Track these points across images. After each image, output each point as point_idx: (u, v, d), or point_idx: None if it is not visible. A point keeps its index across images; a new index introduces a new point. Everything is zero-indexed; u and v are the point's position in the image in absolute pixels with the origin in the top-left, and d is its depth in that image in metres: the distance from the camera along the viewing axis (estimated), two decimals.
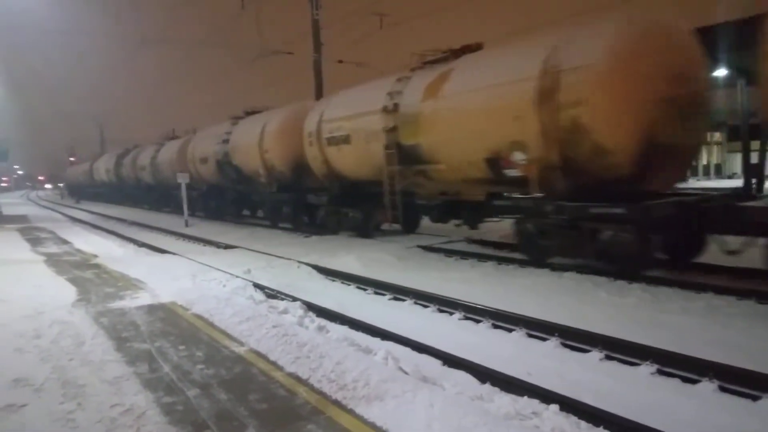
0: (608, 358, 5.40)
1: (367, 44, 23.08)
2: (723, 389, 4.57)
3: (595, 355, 5.47)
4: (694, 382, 4.74)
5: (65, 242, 15.33)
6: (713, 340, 5.57)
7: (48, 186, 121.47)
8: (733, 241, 7.90)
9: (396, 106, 11.91)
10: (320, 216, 16.11)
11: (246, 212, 23.55)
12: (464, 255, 11.27)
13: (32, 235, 17.63)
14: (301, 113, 16.46)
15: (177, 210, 24.12)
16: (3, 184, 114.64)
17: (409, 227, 14.95)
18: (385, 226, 14.65)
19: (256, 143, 17.89)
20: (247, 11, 22.34)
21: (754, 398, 4.38)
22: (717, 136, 38.11)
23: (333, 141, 14.18)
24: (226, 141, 20.31)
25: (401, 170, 12.05)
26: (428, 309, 7.63)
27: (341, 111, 14.12)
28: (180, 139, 27.93)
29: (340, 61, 22.89)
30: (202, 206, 24.81)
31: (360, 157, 13.40)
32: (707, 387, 4.62)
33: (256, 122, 18.65)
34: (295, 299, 7.72)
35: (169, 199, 29.62)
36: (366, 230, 14.43)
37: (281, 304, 7.14)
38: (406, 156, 11.84)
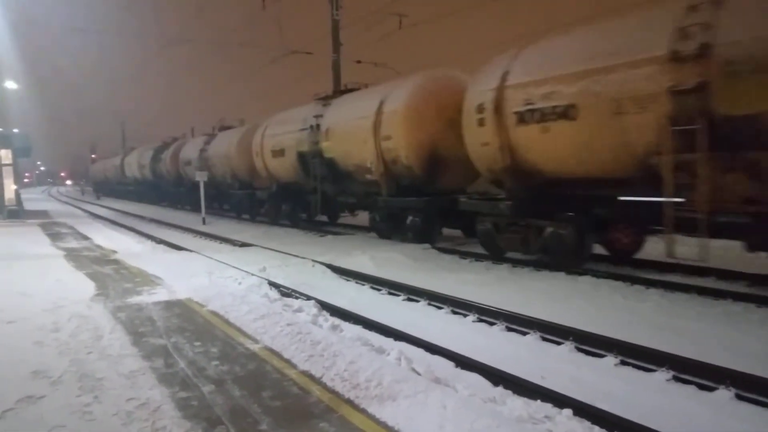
0: (623, 363, 5.35)
1: (386, 44, 23.09)
2: (740, 397, 4.50)
3: (610, 360, 5.42)
4: (710, 389, 4.67)
5: (85, 238, 15.57)
6: (731, 347, 5.50)
7: (69, 182, 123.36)
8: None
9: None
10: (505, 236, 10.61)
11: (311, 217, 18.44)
12: (479, 257, 11.22)
13: (53, 230, 17.92)
14: (444, 83, 12.58)
15: (235, 213, 22.36)
16: (25, 180, 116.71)
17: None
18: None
19: (368, 127, 13.29)
20: (268, 11, 22.49)
21: None
22: None
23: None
24: (315, 127, 15.61)
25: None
26: (442, 310, 7.62)
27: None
28: (238, 128, 23.69)
29: (359, 62, 22.93)
30: (270, 210, 19.98)
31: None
32: (724, 395, 4.55)
33: (368, 99, 14.03)
34: (309, 298, 7.76)
35: (220, 200, 26.14)
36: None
37: (296, 303, 7.18)
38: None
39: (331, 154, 15.14)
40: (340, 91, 16.91)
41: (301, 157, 16.42)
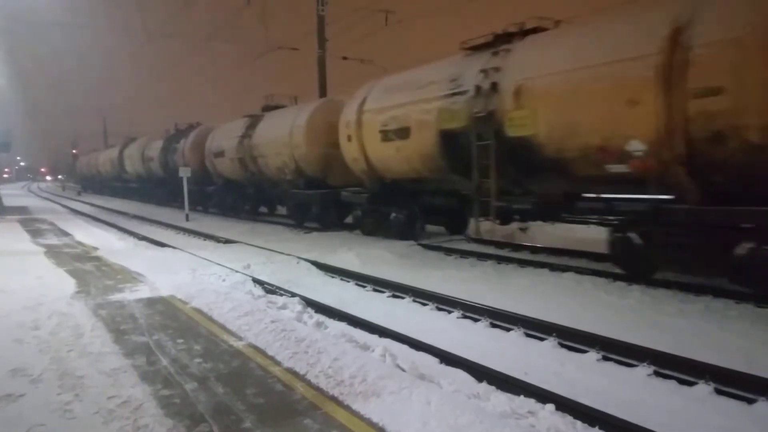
0: (605, 358, 5.41)
1: (372, 41, 23.04)
2: (719, 392, 4.57)
3: (593, 355, 5.48)
4: (690, 384, 4.74)
5: (66, 234, 15.35)
6: (710, 343, 5.58)
7: (48, 178, 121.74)
8: None
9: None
10: None
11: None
12: (464, 254, 11.27)
13: (33, 226, 17.65)
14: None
15: (295, 220, 17.39)
16: (5, 176, 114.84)
17: None
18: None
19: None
20: (253, 6, 22.32)
21: (750, 401, 4.38)
22: None
23: None
24: (460, 92, 10.30)
25: None
26: (427, 307, 7.64)
27: None
28: (307, 103, 18.01)
29: (345, 58, 22.87)
30: (367, 221, 14.49)
31: None
32: (703, 389, 4.62)
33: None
34: (294, 295, 7.73)
35: (266, 202, 21.90)
36: None
37: (280, 300, 7.16)
38: None
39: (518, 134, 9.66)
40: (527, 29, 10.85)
41: (443, 136, 10.90)
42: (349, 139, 13.63)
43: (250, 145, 19.34)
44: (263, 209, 22.84)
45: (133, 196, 36.42)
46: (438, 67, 11.52)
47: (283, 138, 17.07)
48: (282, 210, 21.02)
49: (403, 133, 11.76)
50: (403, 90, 12.02)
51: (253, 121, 20.09)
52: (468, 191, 10.86)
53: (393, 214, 13.44)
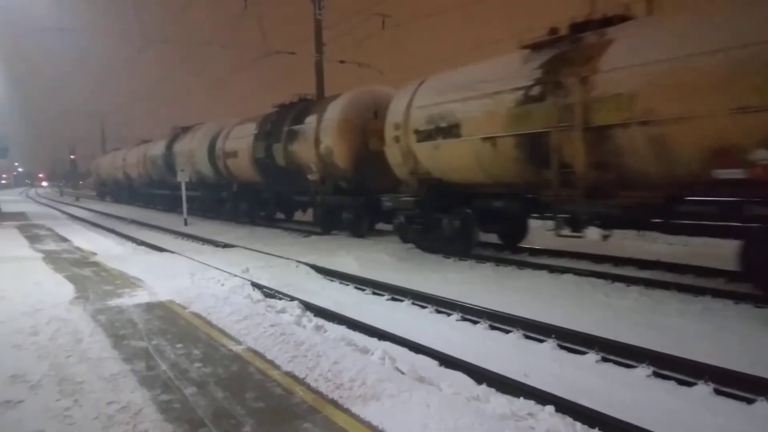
0: (605, 360, 5.42)
1: (369, 45, 23.07)
2: (718, 392, 4.58)
3: (592, 357, 5.48)
4: (689, 384, 4.75)
5: (64, 240, 15.33)
6: (709, 343, 5.59)
7: (44, 183, 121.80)
8: None
9: None
10: None
11: None
12: (462, 256, 11.27)
13: (31, 232, 17.63)
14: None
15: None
16: (2, 181, 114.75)
17: None
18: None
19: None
20: (250, 11, 22.34)
21: (749, 401, 4.39)
22: None
23: None
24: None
25: None
26: (426, 309, 7.64)
27: None
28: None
29: (342, 62, 22.89)
30: None
31: None
32: (703, 390, 4.63)
33: None
34: (293, 299, 7.73)
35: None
36: None
37: (279, 304, 7.15)
38: None
39: None
40: None
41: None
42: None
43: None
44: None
45: (197, 209, 24.39)
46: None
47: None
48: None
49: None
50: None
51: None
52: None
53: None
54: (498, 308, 6.88)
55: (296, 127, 16.77)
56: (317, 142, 15.47)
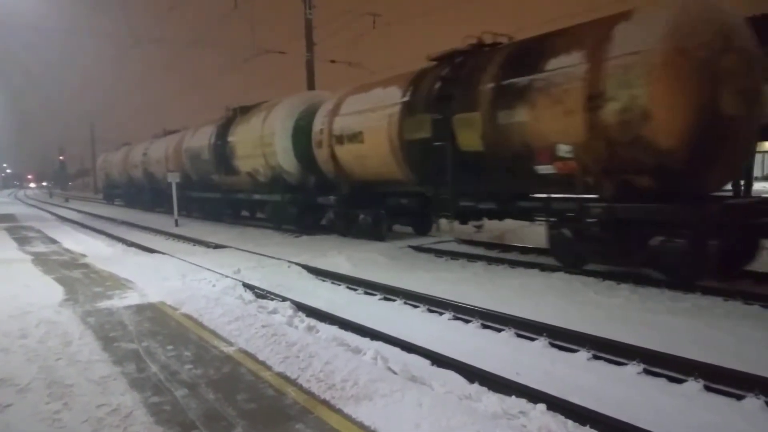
0: (596, 357, 5.44)
1: (360, 44, 23.08)
2: (708, 388, 4.61)
3: (583, 354, 5.51)
4: (679, 381, 4.78)
5: (53, 241, 15.21)
6: (699, 340, 5.63)
7: (32, 185, 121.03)
8: None
9: None
10: None
11: None
12: (454, 255, 11.30)
13: (20, 234, 17.47)
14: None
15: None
16: None
17: None
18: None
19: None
20: (240, 11, 22.26)
21: (739, 397, 4.43)
22: None
23: None
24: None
25: None
26: (418, 309, 7.64)
27: None
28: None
29: (333, 61, 22.88)
30: None
31: None
32: (693, 386, 4.66)
33: None
34: (284, 299, 7.70)
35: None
36: None
37: (271, 304, 7.13)
38: None
39: None
40: None
41: None
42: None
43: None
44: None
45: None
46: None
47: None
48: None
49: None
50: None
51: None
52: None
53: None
54: (490, 307, 6.89)
55: (521, 80, 9.10)
56: (596, 99, 7.89)
